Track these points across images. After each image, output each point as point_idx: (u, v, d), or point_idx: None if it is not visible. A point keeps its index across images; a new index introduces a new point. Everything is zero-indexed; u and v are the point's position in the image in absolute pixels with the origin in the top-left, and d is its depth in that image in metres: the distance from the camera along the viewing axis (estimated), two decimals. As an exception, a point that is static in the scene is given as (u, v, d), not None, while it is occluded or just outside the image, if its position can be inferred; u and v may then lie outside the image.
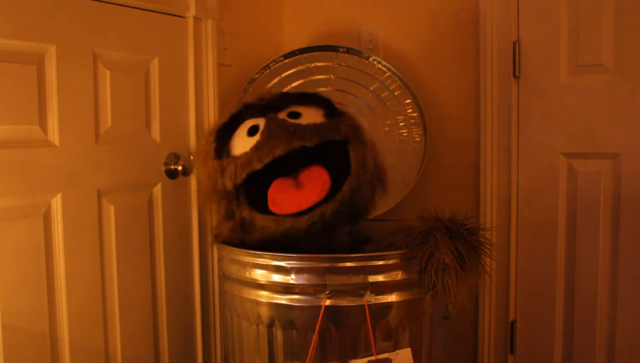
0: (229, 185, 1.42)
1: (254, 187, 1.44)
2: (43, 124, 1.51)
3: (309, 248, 1.45)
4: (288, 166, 1.43)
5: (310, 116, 1.47)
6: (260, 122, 1.43)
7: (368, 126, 2.02)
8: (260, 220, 1.43)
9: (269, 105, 1.48)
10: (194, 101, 1.89)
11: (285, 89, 2.08)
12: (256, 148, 1.38)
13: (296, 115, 1.46)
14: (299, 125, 1.40)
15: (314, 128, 1.41)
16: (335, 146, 1.45)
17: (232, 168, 1.41)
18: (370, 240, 1.62)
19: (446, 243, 1.38)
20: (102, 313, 1.65)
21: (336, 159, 1.45)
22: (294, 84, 2.09)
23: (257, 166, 1.38)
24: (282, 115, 1.45)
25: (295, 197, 1.41)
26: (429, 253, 1.38)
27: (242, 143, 1.43)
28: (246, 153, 1.40)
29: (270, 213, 1.42)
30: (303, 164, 1.45)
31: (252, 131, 1.44)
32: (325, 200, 1.40)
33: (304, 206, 1.40)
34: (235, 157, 1.42)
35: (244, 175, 1.40)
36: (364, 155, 1.47)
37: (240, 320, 1.50)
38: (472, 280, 1.41)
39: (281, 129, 1.38)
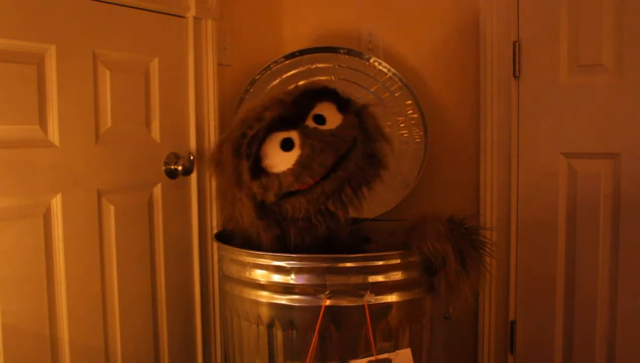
0: (272, 199, 1.41)
1: None
2: (43, 124, 1.51)
3: (312, 245, 1.45)
4: None
5: (331, 116, 1.48)
6: (293, 134, 1.42)
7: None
8: (288, 203, 1.42)
9: (291, 115, 1.45)
10: (194, 101, 1.89)
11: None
12: (303, 164, 1.38)
13: (321, 119, 1.46)
14: (335, 134, 1.42)
15: (346, 132, 1.44)
16: None
17: (276, 186, 1.39)
18: (370, 240, 1.62)
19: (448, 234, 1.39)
20: (102, 313, 1.65)
21: None
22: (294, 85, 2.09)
23: (310, 182, 1.38)
24: (311, 123, 1.44)
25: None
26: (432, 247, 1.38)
27: (279, 158, 1.41)
28: (290, 169, 1.38)
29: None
30: None
31: (286, 145, 1.42)
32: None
33: (326, 166, 1.40)
34: (277, 175, 1.40)
35: (290, 190, 1.40)
36: (357, 115, 1.50)
37: (241, 320, 1.50)
38: (473, 280, 1.41)
39: (321, 141, 1.39)
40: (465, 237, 1.41)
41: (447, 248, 1.37)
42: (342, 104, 1.51)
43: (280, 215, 1.44)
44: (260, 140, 1.42)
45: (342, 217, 1.45)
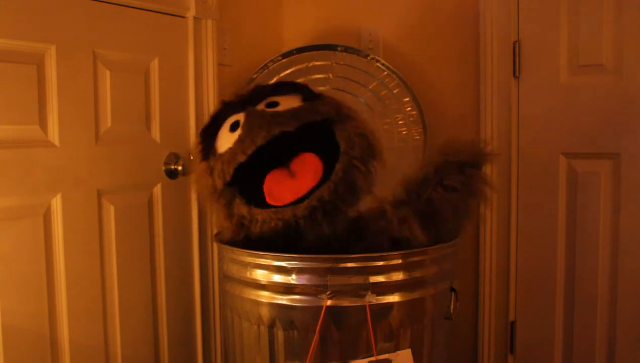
0: (219, 183, 1.43)
1: (248, 184, 1.44)
2: (43, 124, 1.50)
3: (310, 244, 1.45)
4: (278, 158, 1.44)
5: (288, 103, 1.47)
6: (241, 116, 1.44)
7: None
8: (260, 215, 1.42)
9: (246, 100, 1.49)
10: (194, 101, 1.89)
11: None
12: (239, 141, 1.39)
13: (274, 104, 1.47)
14: (276, 113, 1.42)
15: (291, 112, 1.42)
16: (319, 130, 1.45)
17: (219, 166, 1.42)
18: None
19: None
20: (102, 313, 1.65)
21: (323, 142, 1.45)
22: (293, 84, 2.09)
23: (241, 158, 1.39)
24: (261, 106, 1.46)
25: (290, 185, 1.41)
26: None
27: (225, 140, 1.44)
28: (230, 148, 1.41)
29: (269, 206, 1.42)
30: (292, 154, 1.45)
31: (233, 127, 1.44)
32: (320, 183, 1.40)
33: (301, 193, 1.40)
34: (220, 155, 1.43)
35: (231, 171, 1.40)
36: (349, 132, 1.45)
37: (241, 321, 1.50)
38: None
39: (260, 118, 1.40)
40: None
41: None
42: (310, 96, 1.52)
43: (245, 220, 1.46)
44: (215, 125, 1.49)
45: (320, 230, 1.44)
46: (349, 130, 1.45)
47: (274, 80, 2.09)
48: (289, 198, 1.40)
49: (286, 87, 1.55)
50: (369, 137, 1.49)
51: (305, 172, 1.42)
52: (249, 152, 1.38)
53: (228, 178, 1.41)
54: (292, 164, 1.44)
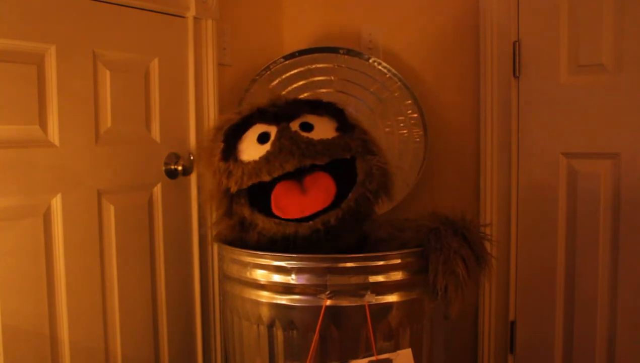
0: (234, 189, 1.43)
1: (256, 188, 1.44)
2: (43, 124, 1.51)
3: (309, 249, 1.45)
4: (293, 172, 1.43)
5: (323, 129, 1.46)
6: (272, 130, 1.43)
7: (368, 127, 2.02)
8: (262, 222, 1.43)
9: (281, 113, 1.46)
10: (194, 101, 1.89)
11: (287, 90, 2.08)
12: (266, 159, 1.38)
13: (309, 127, 1.45)
14: (310, 142, 1.40)
15: (324, 146, 1.41)
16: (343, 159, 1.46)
17: (239, 173, 1.41)
18: (370, 238, 1.61)
19: (461, 250, 1.37)
20: (102, 313, 1.65)
21: (342, 167, 1.45)
22: (294, 85, 2.09)
23: (266, 178, 1.39)
24: (295, 125, 1.44)
25: (299, 202, 1.41)
26: (443, 260, 1.37)
27: (251, 149, 1.44)
28: (255, 161, 1.40)
29: (273, 216, 1.42)
30: (307, 170, 1.44)
31: (262, 138, 1.43)
32: (330, 207, 1.40)
33: (308, 212, 1.40)
34: (242, 163, 1.42)
35: (249, 183, 1.41)
36: (371, 166, 1.47)
37: (241, 320, 1.50)
38: (473, 286, 1.41)
39: (293, 143, 1.38)
40: (472, 253, 1.40)
41: (459, 271, 1.37)
42: (344, 125, 1.49)
43: (245, 222, 1.46)
44: (242, 127, 1.46)
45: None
46: (371, 164, 1.47)
47: (276, 81, 2.09)
48: (295, 213, 1.40)
49: (324, 108, 1.51)
50: (388, 174, 1.51)
51: (317, 191, 1.42)
52: (275, 175, 1.39)
53: (244, 187, 1.42)
54: (306, 179, 1.44)
